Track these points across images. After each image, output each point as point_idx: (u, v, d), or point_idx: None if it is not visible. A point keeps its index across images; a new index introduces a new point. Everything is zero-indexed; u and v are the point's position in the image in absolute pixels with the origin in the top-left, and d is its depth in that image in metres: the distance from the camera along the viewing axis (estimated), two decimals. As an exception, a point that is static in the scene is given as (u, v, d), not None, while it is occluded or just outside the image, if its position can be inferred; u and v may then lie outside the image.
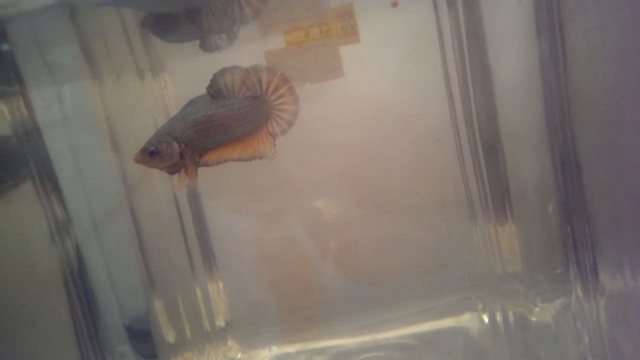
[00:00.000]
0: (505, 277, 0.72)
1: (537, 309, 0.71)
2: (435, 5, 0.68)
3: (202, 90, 0.65)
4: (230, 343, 0.82)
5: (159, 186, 0.76)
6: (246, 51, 0.69)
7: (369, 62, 0.71)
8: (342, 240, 0.80)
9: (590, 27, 0.58)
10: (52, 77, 0.73)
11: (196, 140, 0.59)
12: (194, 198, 0.79)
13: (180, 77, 0.73)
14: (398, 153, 0.76)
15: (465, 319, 0.77)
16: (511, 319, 0.73)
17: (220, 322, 0.82)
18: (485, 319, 0.76)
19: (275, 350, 0.82)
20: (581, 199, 0.63)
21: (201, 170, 0.75)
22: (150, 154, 0.57)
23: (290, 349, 0.81)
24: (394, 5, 0.66)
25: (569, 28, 0.62)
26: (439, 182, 0.75)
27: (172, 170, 0.60)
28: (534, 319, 0.71)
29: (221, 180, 0.78)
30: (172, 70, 0.73)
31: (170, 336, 0.77)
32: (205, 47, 0.67)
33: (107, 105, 0.72)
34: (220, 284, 0.82)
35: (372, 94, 0.73)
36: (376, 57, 0.71)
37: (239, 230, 0.81)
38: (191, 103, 0.60)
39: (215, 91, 0.59)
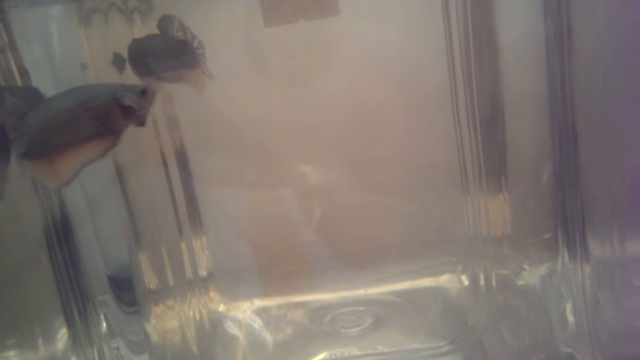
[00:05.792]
0: (492, 242, 0.73)
1: (523, 273, 0.72)
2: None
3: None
4: (212, 294, 0.83)
5: (145, 141, 0.75)
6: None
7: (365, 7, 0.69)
8: (327, 202, 0.80)
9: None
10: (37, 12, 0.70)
11: None
12: (182, 155, 0.78)
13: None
14: (392, 115, 0.75)
15: (445, 280, 0.78)
16: (494, 282, 0.73)
17: (202, 272, 0.82)
18: (466, 280, 0.77)
19: (257, 302, 0.83)
20: (575, 167, 0.63)
21: (189, 128, 0.73)
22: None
23: (272, 302, 0.82)
24: None
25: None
26: (433, 148, 0.75)
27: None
28: (519, 282, 0.72)
29: (209, 140, 0.78)
30: (160, 11, 0.70)
31: (152, 283, 0.77)
32: None
33: (93, 48, 0.69)
34: (205, 239, 0.82)
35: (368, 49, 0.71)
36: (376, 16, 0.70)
37: (226, 188, 0.80)
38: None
39: None
